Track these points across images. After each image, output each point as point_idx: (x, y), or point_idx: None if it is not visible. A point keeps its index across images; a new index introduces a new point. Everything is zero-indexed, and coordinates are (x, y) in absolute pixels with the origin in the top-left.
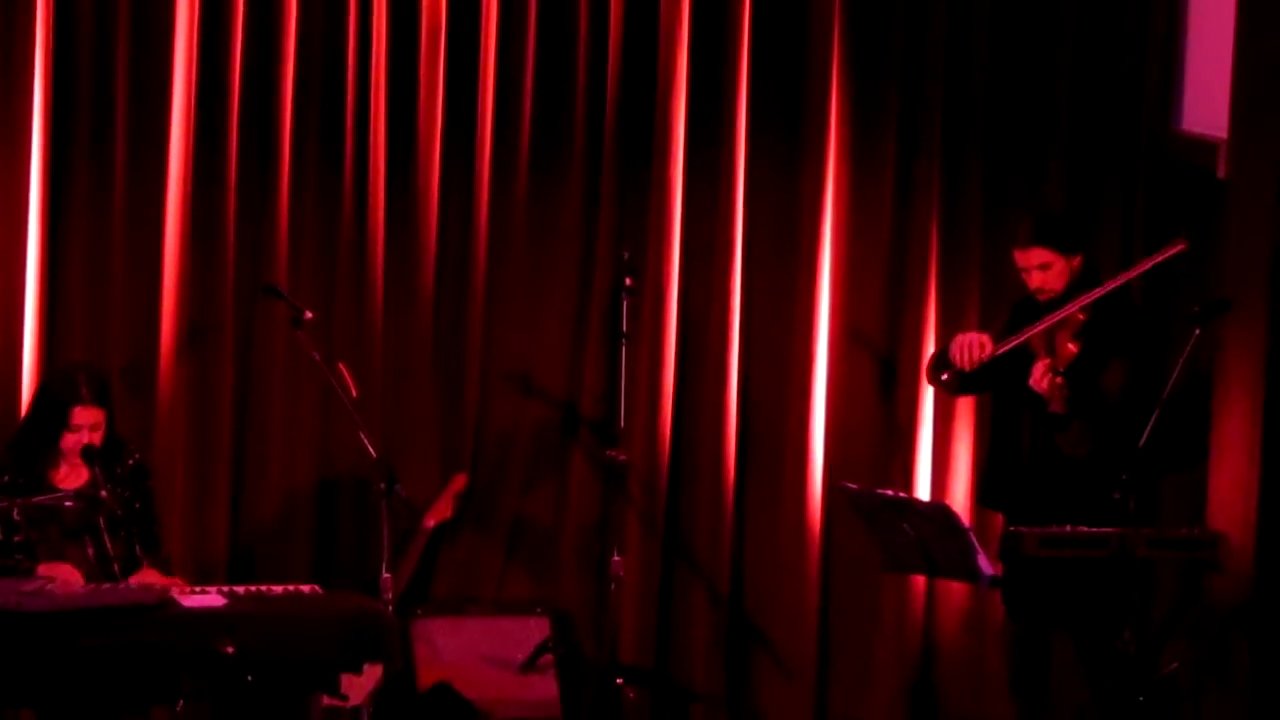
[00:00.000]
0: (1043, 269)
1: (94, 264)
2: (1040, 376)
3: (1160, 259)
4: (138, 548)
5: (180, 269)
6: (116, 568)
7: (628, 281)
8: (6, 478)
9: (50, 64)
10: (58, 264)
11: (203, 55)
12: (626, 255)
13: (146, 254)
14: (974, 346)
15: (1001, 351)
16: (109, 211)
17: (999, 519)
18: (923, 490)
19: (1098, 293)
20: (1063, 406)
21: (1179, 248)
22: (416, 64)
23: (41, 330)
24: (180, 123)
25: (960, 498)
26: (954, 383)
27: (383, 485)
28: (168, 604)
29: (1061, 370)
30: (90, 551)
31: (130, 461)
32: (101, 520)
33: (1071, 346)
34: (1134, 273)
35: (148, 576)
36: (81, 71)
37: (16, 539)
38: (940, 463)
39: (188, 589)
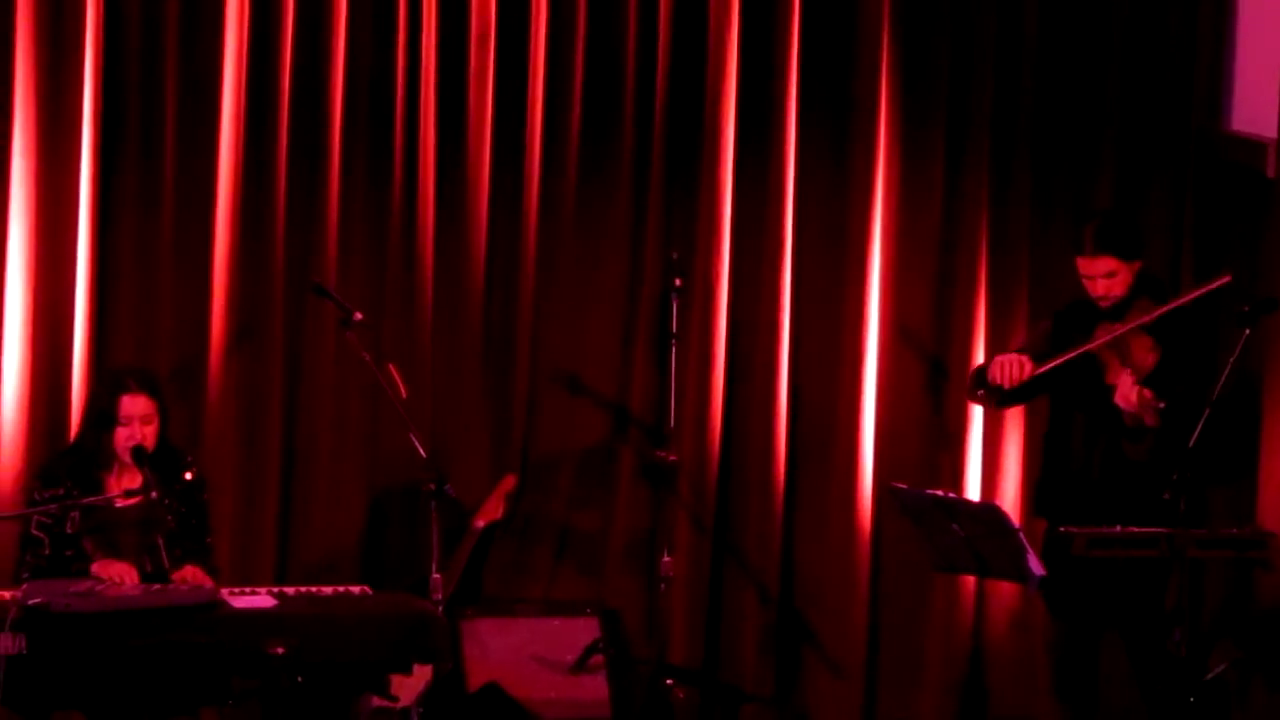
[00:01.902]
0: (1109, 276)
1: (144, 266)
2: (1128, 391)
3: (1207, 290)
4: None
5: (230, 270)
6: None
7: (677, 282)
8: (61, 489)
9: (100, 64)
10: (108, 266)
11: (252, 55)
12: (675, 256)
13: (196, 255)
14: (1013, 365)
15: (1044, 370)
16: (159, 213)
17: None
18: (972, 490)
19: (1144, 318)
20: (1156, 419)
21: (1225, 279)
22: (466, 65)
23: (91, 333)
24: (230, 123)
25: (1010, 498)
26: (993, 399)
27: (432, 485)
28: (218, 605)
29: (1142, 382)
30: (149, 568)
31: (188, 476)
32: (160, 539)
33: (1150, 357)
34: (1182, 300)
35: (185, 572)
36: (131, 72)
37: (68, 553)
38: (990, 463)
39: (219, 588)
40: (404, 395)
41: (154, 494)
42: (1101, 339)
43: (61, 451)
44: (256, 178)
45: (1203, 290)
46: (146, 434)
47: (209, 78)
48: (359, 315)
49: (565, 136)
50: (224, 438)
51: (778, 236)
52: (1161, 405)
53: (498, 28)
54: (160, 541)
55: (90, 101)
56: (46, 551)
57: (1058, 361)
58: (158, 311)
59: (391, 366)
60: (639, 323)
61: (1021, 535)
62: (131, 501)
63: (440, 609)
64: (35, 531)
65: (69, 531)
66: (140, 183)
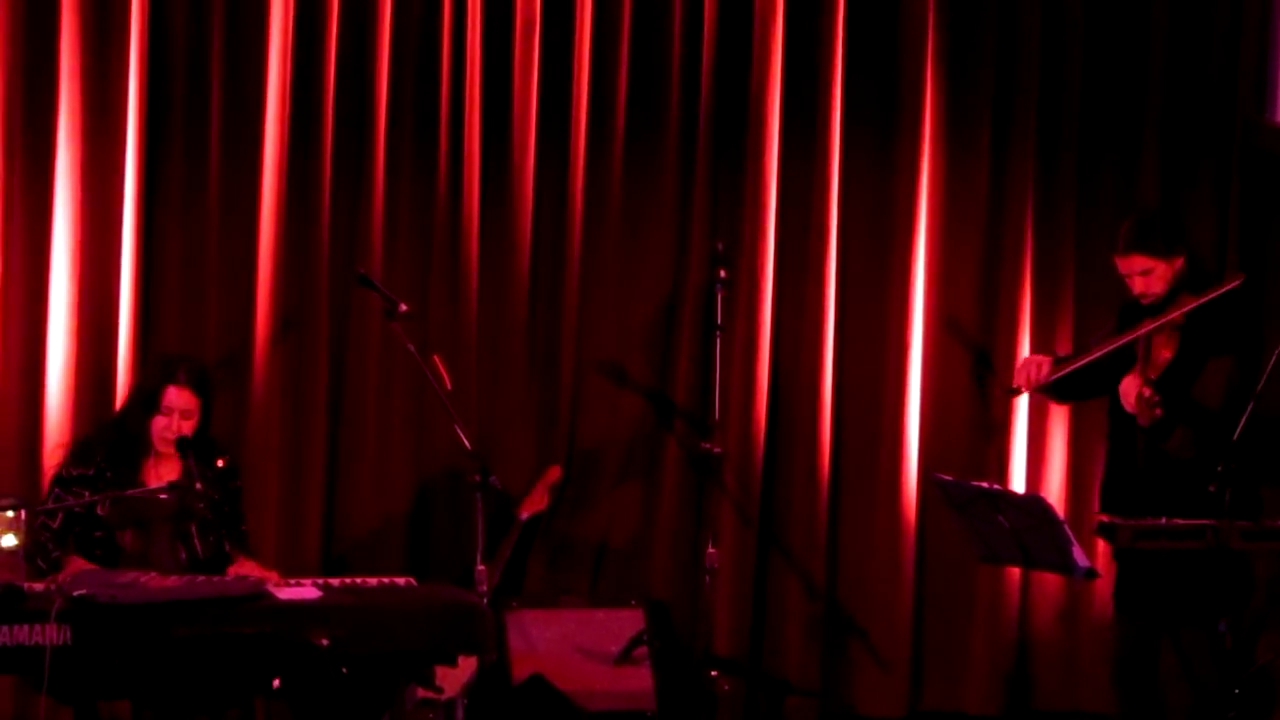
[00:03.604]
0: (1144, 274)
1: (189, 257)
2: (1128, 390)
3: (1220, 292)
4: (226, 546)
5: (275, 261)
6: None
7: (722, 273)
8: (91, 469)
9: (145, 54)
10: (153, 257)
11: (297, 45)
12: (720, 246)
13: (241, 246)
14: (1032, 367)
15: (1062, 374)
16: (204, 204)
17: (1093, 510)
18: (1017, 482)
19: (1162, 319)
20: (1148, 422)
21: (1237, 282)
22: (511, 55)
23: (136, 323)
24: (275, 113)
25: (1055, 489)
26: (1014, 396)
27: (477, 477)
28: (262, 596)
29: (1155, 378)
30: (183, 555)
31: (220, 463)
32: (194, 527)
33: (1166, 352)
34: (1200, 301)
35: (245, 567)
36: (176, 62)
37: (97, 534)
38: (1035, 454)
39: (284, 581)
40: (449, 386)
41: (198, 485)
42: (1126, 337)
43: (101, 428)
44: (302, 168)
45: (1217, 292)
46: (184, 429)
47: (254, 67)
48: (404, 306)
49: (610, 126)
50: (269, 428)
51: (823, 227)
52: (1158, 412)
53: (543, 16)
54: (193, 529)
55: (135, 91)
56: (55, 525)
57: (1076, 365)
58: (203, 301)
59: (436, 357)
60: (684, 313)
61: (1066, 527)
62: (172, 495)
63: (485, 600)
64: (52, 504)
65: (99, 513)
66: (185, 173)
